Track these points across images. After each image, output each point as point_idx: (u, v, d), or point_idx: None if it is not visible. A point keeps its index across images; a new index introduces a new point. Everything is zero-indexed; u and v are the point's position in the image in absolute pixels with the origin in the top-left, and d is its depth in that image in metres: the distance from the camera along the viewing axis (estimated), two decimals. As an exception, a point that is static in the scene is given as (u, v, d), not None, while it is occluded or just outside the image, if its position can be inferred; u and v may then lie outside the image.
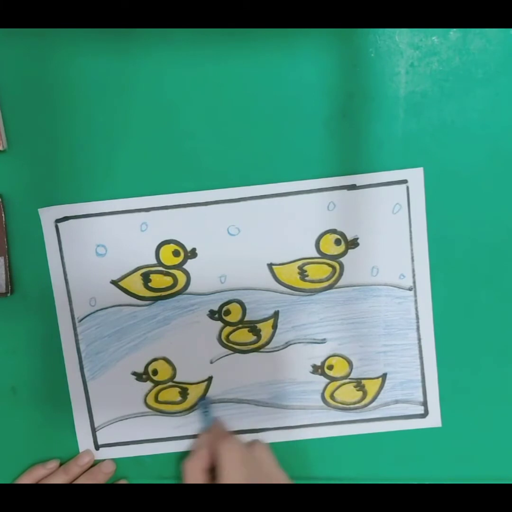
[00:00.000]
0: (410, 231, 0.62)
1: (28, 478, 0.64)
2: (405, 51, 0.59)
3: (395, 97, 0.60)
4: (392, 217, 0.62)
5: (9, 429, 0.65)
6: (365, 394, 0.64)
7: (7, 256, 0.62)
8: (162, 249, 0.63)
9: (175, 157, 0.61)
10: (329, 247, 0.63)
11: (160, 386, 0.65)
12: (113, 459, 0.65)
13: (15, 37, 0.60)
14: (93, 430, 0.65)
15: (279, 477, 0.61)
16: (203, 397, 0.65)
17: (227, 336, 0.64)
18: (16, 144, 0.61)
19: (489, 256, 0.62)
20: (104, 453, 0.65)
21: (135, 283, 0.63)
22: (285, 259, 0.63)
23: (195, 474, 0.59)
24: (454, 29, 0.59)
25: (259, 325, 0.64)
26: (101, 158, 0.61)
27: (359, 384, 0.64)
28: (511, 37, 0.59)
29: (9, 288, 0.62)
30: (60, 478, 0.63)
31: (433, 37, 0.59)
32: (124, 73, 0.60)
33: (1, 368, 0.65)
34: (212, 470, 0.60)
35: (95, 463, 0.65)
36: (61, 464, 0.65)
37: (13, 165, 0.62)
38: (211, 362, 0.64)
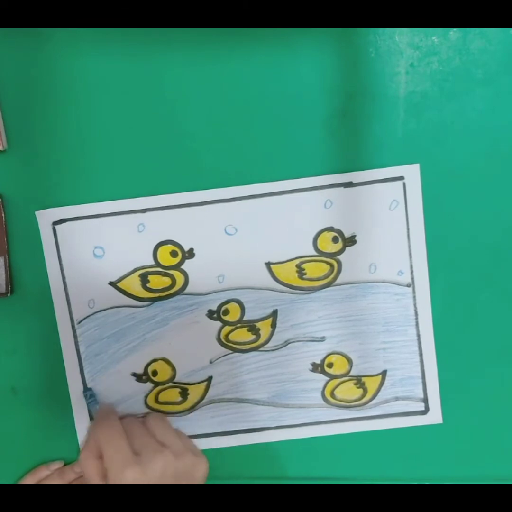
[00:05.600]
0: (408, 228, 0.62)
1: (32, 479, 0.64)
2: (405, 51, 0.59)
3: (395, 97, 0.60)
4: (389, 214, 0.62)
5: (9, 430, 0.65)
6: (365, 391, 0.65)
7: (7, 256, 0.62)
8: (160, 249, 0.62)
9: (172, 157, 0.61)
10: (327, 245, 0.63)
11: (160, 387, 0.65)
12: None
13: (15, 37, 0.59)
14: (94, 432, 0.65)
15: (175, 443, 0.57)
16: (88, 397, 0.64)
17: (226, 335, 0.64)
18: (16, 144, 0.61)
19: (487, 252, 0.62)
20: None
21: (133, 284, 0.63)
22: (282, 258, 0.63)
23: (89, 465, 0.56)
24: (454, 29, 0.58)
25: (258, 324, 0.64)
26: (97, 159, 0.61)
27: (359, 382, 0.65)
28: (511, 37, 0.59)
29: (9, 288, 0.62)
30: (55, 482, 0.63)
31: (433, 37, 0.59)
32: (123, 73, 0.60)
33: (1, 369, 0.64)
34: None
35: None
36: (65, 466, 0.65)
37: (13, 165, 0.61)
38: (211, 362, 0.64)
